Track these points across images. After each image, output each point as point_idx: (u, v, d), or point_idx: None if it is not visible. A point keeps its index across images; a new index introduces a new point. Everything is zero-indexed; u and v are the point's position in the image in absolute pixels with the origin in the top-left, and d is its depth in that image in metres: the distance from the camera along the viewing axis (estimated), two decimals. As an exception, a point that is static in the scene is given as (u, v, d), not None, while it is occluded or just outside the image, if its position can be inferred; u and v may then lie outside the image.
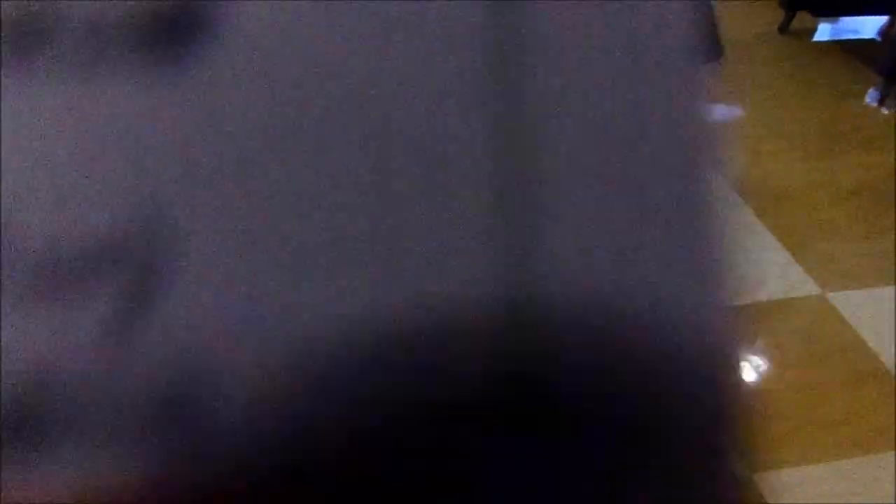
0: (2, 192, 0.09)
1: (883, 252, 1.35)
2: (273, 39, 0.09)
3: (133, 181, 0.09)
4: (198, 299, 0.09)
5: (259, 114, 0.09)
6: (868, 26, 1.88)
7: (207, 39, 0.09)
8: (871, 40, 1.89)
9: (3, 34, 0.09)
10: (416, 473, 0.09)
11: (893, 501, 0.88)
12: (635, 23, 0.10)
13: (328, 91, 0.09)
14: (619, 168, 0.10)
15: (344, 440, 0.09)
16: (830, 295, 1.30)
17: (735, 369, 0.10)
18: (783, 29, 1.99)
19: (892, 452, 0.98)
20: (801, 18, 1.97)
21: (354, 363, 0.09)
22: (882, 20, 1.86)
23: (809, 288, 1.32)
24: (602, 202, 0.09)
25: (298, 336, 0.09)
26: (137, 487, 0.08)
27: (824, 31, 1.92)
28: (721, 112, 0.10)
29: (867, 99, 1.83)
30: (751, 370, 1.00)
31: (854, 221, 1.47)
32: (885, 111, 1.78)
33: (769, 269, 1.33)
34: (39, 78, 0.09)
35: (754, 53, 1.93)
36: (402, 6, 0.09)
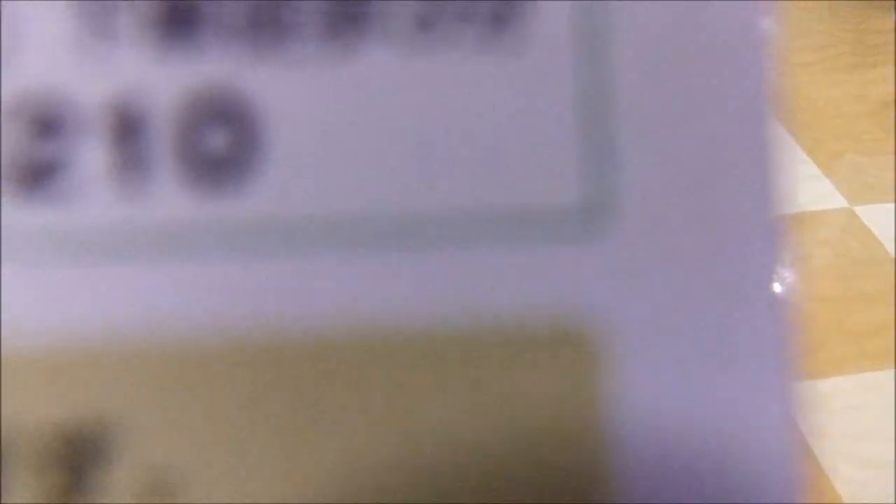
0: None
1: None
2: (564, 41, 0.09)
3: (469, 156, 0.09)
4: None
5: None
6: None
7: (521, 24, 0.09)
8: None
9: (310, 10, 0.09)
10: None
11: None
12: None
13: None
14: None
15: None
16: (858, 208, 1.31)
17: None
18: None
19: None
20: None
21: None
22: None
23: (837, 201, 1.33)
24: None
25: None
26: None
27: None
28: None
29: (896, 13, 1.82)
30: (781, 281, 1.03)
31: (882, 135, 1.47)
32: (914, 25, 1.77)
33: (797, 181, 1.34)
34: (362, 52, 0.09)
35: (781, -36, 1.90)
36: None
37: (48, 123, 0.08)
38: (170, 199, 0.08)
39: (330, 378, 0.08)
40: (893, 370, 1.03)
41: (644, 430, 0.09)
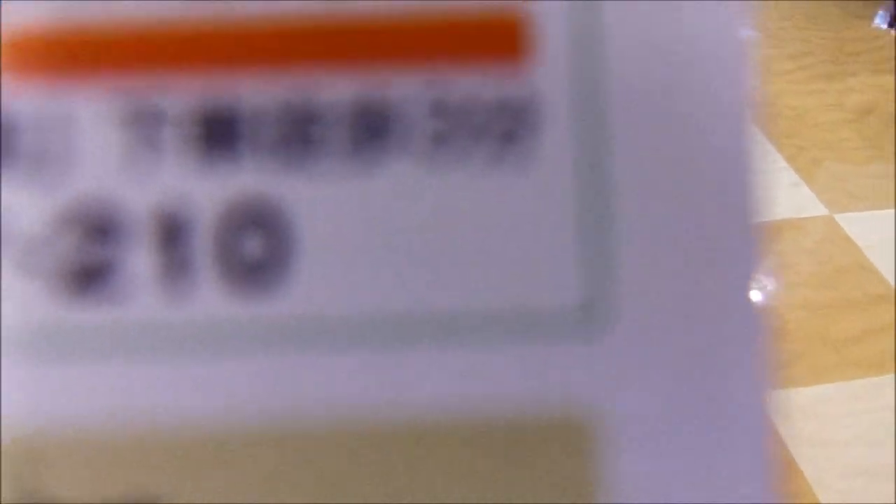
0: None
1: (891, 174, 1.38)
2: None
3: (480, 261, 0.09)
4: None
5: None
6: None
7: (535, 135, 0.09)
8: (880, -39, 1.88)
9: (337, 128, 0.09)
10: None
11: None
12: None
13: None
14: None
15: None
16: (838, 216, 1.33)
17: None
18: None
19: None
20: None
21: None
22: (892, -63, 1.85)
23: (818, 209, 1.34)
24: None
25: None
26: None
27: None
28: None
29: (875, 21, 1.83)
30: (762, 289, 1.05)
31: (862, 143, 1.48)
32: (893, 33, 1.79)
33: (778, 189, 1.35)
34: (383, 165, 0.09)
35: (761, -29, 1.92)
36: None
37: (99, 229, 0.09)
38: (210, 299, 0.09)
39: (346, 464, 0.09)
40: (876, 378, 1.04)
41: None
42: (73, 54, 0.09)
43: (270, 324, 0.09)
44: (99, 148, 0.09)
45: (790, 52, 1.66)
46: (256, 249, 0.09)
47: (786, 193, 1.34)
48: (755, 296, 0.10)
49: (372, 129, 0.09)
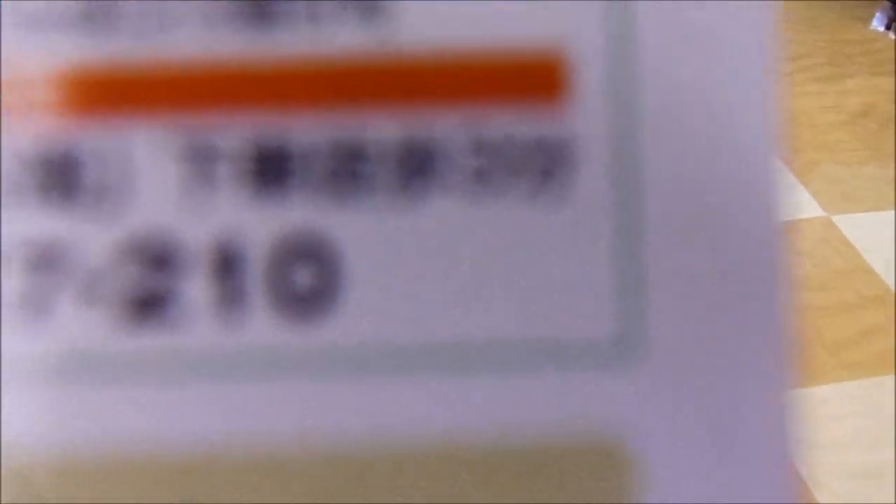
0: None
1: (888, 176, 1.38)
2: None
3: (519, 292, 0.10)
4: None
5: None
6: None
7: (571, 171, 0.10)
8: (878, -39, 1.89)
9: (384, 165, 0.10)
10: None
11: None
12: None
13: None
14: None
15: None
16: (835, 218, 1.33)
17: None
18: (785, -59, 1.97)
19: (894, 375, 1.03)
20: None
21: None
22: (890, -63, 1.85)
23: (814, 210, 1.34)
24: None
25: None
26: None
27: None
28: None
29: (873, 23, 1.84)
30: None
31: (858, 145, 1.48)
32: (891, 36, 1.79)
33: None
34: (427, 200, 0.10)
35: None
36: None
37: (158, 260, 0.10)
38: (262, 327, 0.10)
39: (389, 487, 0.10)
40: (872, 380, 1.05)
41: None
42: (132, 92, 0.10)
43: (319, 351, 0.10)
44: (157, 182, 0.10)
45: (787, 54, 1.64)
46: (306, 280, 0.10)
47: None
48: (780, 328, 0.10)
49: (416, 166, 0.10)
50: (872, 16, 1.83)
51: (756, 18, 0.10)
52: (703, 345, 0.10)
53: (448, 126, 0.10)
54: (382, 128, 0.10)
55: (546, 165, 0.10)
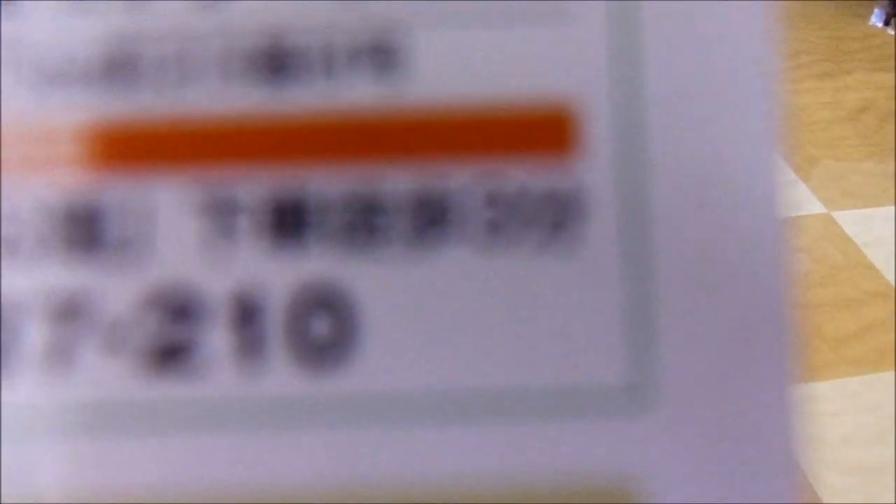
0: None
1: (887, 172, 1.38)
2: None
3: (532, 341, 0.10)
4: None
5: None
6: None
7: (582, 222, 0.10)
8: (877, -43, 1.88)
9: (399, 217, 0.10)
10: None
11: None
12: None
13: None
14: None
15: None
16: (835, 213, 1.33)
17: None
18: (784, -64, 1.96)
19: (894, 371, 1.03)
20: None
21: None
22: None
23: (814, 206, 1.34)
24: None
25: None
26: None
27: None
28: None
29: (872, 19, 1.83)
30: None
31: (859, 141, 1.48)
32: (889, 31, 1.79)
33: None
34: (441, 251, 0.10)
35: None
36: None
37: (179, 311, 0.10)
38: (281, 376, 0.10)
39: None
40: (872, 375, 1.05)
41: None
42: (153, 145, 0.10)
43: (337, 400, 0.10)
44: (178, 234, 0.10)
45: (787, 51, 1.64)
46: (324, 330, 0.10)
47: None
48: (790, 370, 0.10)
49: (431, 217, 0.10)
50: (871, 12, 1.82)
51: (766, 71, 0.11)
52: (714, 390, 0.10)
53: (461, 178, 0.10)
54: (397, 180, 0.10)
55: (557, 217, 0.10)
